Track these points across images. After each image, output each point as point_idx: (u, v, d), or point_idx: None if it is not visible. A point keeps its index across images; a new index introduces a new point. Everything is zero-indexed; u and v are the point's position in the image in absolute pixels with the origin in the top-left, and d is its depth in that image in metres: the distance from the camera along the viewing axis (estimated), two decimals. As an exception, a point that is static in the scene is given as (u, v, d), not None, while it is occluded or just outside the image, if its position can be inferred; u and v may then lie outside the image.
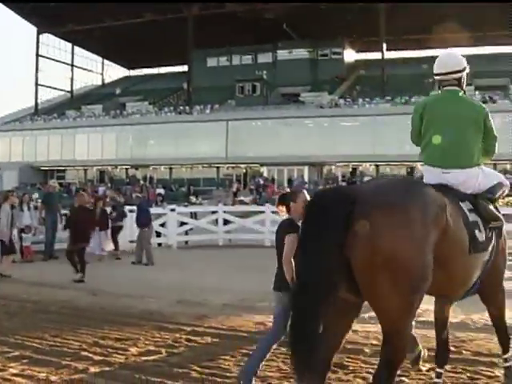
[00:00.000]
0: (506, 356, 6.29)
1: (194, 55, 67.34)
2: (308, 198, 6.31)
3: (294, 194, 6.71)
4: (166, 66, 79.84)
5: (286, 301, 6.21)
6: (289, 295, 5.79)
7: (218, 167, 61.01)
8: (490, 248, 5.47)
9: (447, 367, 7.19)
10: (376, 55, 66.44)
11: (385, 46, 62.47)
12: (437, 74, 5.98)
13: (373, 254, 4.52)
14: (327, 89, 62.60)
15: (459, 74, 5.90)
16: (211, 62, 73.18)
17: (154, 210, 22.92)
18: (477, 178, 5.70)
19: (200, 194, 50.16)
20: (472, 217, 5.30)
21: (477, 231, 5.24)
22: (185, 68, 71.08)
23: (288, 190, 5.96)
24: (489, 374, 7.06)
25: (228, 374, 7.12)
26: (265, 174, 57.93)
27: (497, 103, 55.37)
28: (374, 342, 8.53)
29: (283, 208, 6.70)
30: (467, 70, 5.94)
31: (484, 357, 7.78)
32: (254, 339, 8.77)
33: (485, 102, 55.29)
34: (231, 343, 8.61)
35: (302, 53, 69.17)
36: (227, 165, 60.59)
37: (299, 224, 5.86)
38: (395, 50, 68.21)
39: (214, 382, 6.89)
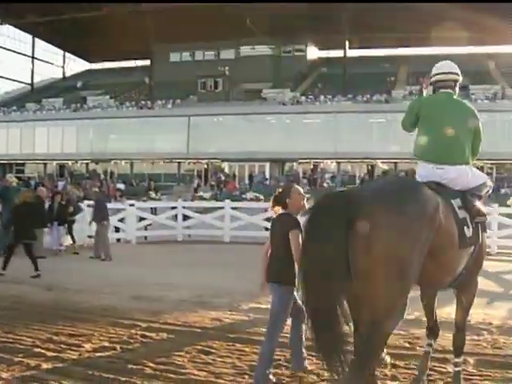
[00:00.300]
0: (457, 360, 6.46)
1: (156, 50, 67.02)
2: (301, 190, 6.93)
3: (288, 191, 6.92)
4: (128, 60, 79.15)
5: (287, 292, 6.65)
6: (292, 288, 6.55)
7: (179, 163, 60.81)
8: (475, 242, 5.89)
9: (401, 363, 7.26)
10: (338, 53, 66.70)
11: (347, 44, 62.76)
12: (436, 74, 6.41)
13: (371, 252, 4.88)
14: (289, 86, 62.68)
15: (456, 77, 6.40)
16: (174, 57, 72.89)
17: (113, 205, 22.76)
18: (467, 175, 6.09)
19: (161, 189, 49.84)
20: (461, 214, 5.72)
21: (465, 227, 5.68)
22: (147, 62, 70.64)
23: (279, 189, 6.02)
24: (441, 369, 7.12)
25: (182, 371, 7.08)
26: (226, 170, 57.93)
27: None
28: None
29: (279, 208, 6.92)
30: (460, 80, 6.42)
31: (438, 353, 7.82)
32: (209, 335, 8.77)
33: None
34: (186, 339, 8.55)
35: (264, 49, 69.18)
36: (188, 160, 60.43)
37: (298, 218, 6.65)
38: (357, 48, 68.54)
39: (168, 378, 6.84)
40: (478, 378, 6.89)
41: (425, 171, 6.11)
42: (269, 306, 10.80)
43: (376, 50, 71.91)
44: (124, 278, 14.37)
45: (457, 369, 6.44)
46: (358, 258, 4.94)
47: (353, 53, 67.23)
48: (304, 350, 6.98)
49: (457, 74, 6.41)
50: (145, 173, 59.78)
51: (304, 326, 6.61)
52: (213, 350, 7.95)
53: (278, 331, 6.77)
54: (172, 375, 6.89)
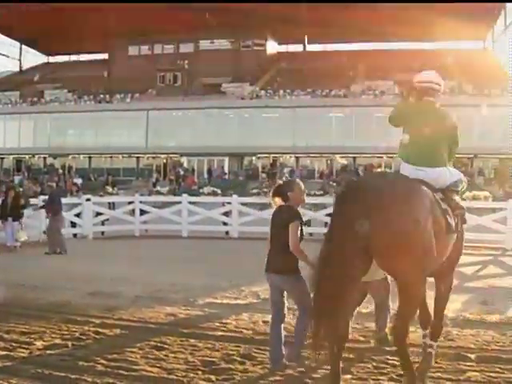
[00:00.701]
0: (432, 343, 7.01)
1: (114, 43, 66.49)
2: (302, 185, 7.33)
3: (292, 184, 7.31)
4: (86, 53, 78.25)
5: (299, 278, 6.92)
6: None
7: (138, 157, 60.49)
8: (456, 231, 6.50)
9: (353, 356, 7.28)
10: (298, 47, 66.89)
11: (306, 38, 62.92)
12: (422, 82, 6.91)
13: (390, 235, 5.63)
14: (249, 80, 62.64)
15: (438, 87, 6.94)
16: (132, 50, 72.21)
17: (69, 200, 22.50)
18: (445, 176, 6.70)
19: (120, 184, 49.56)
20: (444, 205, 6.35)
21: (448, 216, 6.30)
22: (105, 56, 70.01)
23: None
24: (394, 362, 7.14)
25: (134, 367, 6.99)
26: (185, 165, 57.75)
27: (414, 98, 56.19)
28: (285, 333, 8.55)
29: (279, 199, 7.20)
30: (442, 90, 6.99)
31: (391, 346, 7.88)
32: (163, 331, 8.70)
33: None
34: (140, 335, 8.45)
35: (224, 43, 69.07)
36: (147, 155, 60.10)
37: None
38: (317, 43, 68.76)
39: (120, 375, 6.75)
40: (430, 369, 6.93)
41: (407, 171, 6.57)
42: (224, 301, 10.97)
43: (335, 45, 72.15)
44: (80, 273, 14.16)
45: (429, 350, 6.96)
46: (380, 240, 5.65)
47: (312, 47, 67.47)
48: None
49: (439, 84, 6.94)
50: (103, 167, 59.28)
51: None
52: (166, 346, 7.87)
53: (307, 311, 6.73)
54: (123, 372, 6.81)
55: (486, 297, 11.18)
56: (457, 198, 6.76)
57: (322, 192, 26.61)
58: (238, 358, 7.33)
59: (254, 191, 25.27)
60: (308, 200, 23.56)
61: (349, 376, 6.67)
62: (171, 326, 9.11)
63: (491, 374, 6.70)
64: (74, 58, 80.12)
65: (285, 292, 7.22)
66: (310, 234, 17.51)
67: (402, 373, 6.64)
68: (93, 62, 76.16)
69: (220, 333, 8.63)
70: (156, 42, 70.74)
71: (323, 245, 5.88)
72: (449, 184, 6.71)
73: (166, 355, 7.49)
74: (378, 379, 6.60)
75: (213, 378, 6.65)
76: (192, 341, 8.13)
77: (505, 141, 50.37)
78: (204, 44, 69.46)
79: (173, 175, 54.91)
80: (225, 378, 6.65)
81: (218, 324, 9.17)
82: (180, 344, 7.98)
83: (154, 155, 59.99)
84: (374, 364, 7.11)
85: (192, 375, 6.73)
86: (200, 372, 6.86)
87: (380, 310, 7.93)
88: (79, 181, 47.05)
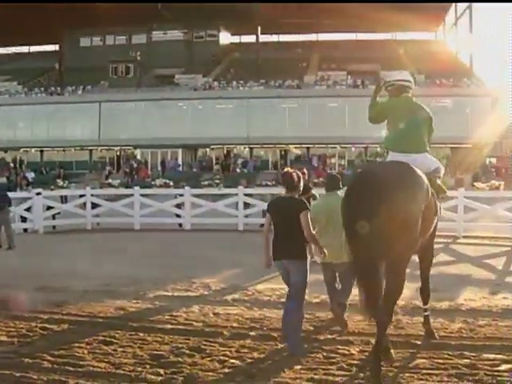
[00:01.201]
0: (426, 307, 7.95)
1: (66, 34, 65.52)
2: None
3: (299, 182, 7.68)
4: (36, 44, 76.87)
5: (306, 265, 7.39)
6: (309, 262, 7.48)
7: (90, 150, 59.75)
8: (439, 213, 7.43)
9: (305, 347, 7.27)
10: (251, 38, 66.80)
11: (259, 29, 62.83)
12: (397, 81, 7.83)
13: (396, 215, 6.24)
14: (202, 71, 62.31)
15: (411, 84, 7.87)
16: (84, 41, 71.27)
17: (18, 194, 22.14)
18: (428, 161, 7.50)
19: (73, 177, 49.13)
20: (431, 189, 7.06)
21: (436, 200, 7.20)
22: (56, 47, 69.04)
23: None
24: (344, 352, 7.17)
25: (81, 362, 6.87)
26: (138, 157, 57.33)
27: (368, 88, 56.70)
28: (235, 325, 8.53)
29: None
30: (413, 86, 7.89)
31: (341, 336, 7.90)
32: (112, 325, 8.58)
33: (356, 86, 56.85)
34: (88, 330, 8.30)
35: (176, 34, 68.59)
36: (100, 147, 59.42)
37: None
38: (270, 33, 68.72)
39: (66, 370, 6.62)
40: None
41: (397, 158, 7.23)
42: (175, 294, 10.88)
43: (288, 36, 72.20)
44: (29, 268, 13.91)
45: (426, 313, 7.92)
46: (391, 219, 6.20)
47: (265, 38, 67.40)
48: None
49: (411, 81, 7.89)
50: (55, 161, 58.34)
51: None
52: (114, 340, 7.75)
53: (303, 299, 7.52)
54: (70, 368, 6.67)
55: (437, 284, 11.25)
56: (439, 182, 7.57)
57: (274, 182, 26.51)
58: (187, 351, 7.26)
59: (206, 183, 25.05)
60: (261, 191, 23.58)
61: (298, 367, 6.65)
62: (120, 319, 8.99)
63: (439, 361, 6.75)
64: (23, 49, 78.63)
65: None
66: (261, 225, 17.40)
67: (352, 362, 6.68)
68: (43, 53, 74.83)
69: (170, 326, 8.55)
70: (108, 33, 69.97)
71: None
72: (432, 170, 7.49)
73: (114, 350, 7.39)
74: (328, 369, 6.58)
75: (161, 371, 6.56)
76: (141, 334, 8.03)
77: (456, 130, 51.33)
78: (157, 35, 68.88)
79: (127, 168, 54.42)
80: (173, 372, 6.57)
81: (167, 317, 9.07)
82: (129, 338, 7.87)
83: (107, 148, 59.27)
84: (325, 354, 7.11)
85: (140, 369, 6.65)
86: (148, 366, 6.77)
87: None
88: (31, 175, 46.45)
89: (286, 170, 7.93)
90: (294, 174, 7.67)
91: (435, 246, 16.30)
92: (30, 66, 68.98)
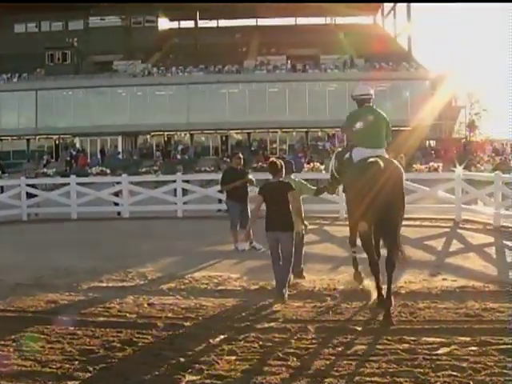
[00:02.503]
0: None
1: (-1, 21, 64.08)
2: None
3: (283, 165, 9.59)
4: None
5: (292, 235, 9.20)
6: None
7: (28, 139, 58.65)
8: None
9: (241, 337, 7.06)
10: (190, 24, 66.26)
11: (198, 14, 62.36)
12: (362, 95, 9.57)
13: (401, 196, 8.59)
14: (140, 57, 61.73)
15: (372, 96, 9.61)
16: (18, 28, 69.78)
17: None
18: (385, 153, 9.31)
19: (10, 167, 48.00)
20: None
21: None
22: (-11, 34, 67.42)
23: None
24: (280, 339, 6.98)
25: (6, 362, 6.51)
26: (77, 145, 56.44)
27: (308, 73, 56.87)
28: (170, 315, 8.26)
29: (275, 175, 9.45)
30: (373, 97, 9.64)
31: (279, 323, 7.71)
32: (41, 320, 8.19)
33: (296, 71, 56.91)
34: (16, 326, 7.90)
35: (114, 20, 67.62)
36: (38, 136, 58.33)
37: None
38: (209, 19, 68.21)
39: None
40: (317, 344, 6.79)
41: (361, 152, 9.05)
42: (109, 284, 10.52)
43: (227, 21, 71.72)
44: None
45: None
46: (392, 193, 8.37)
47: (204, 23, 66.91)
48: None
49: (372, 94, 9.62)
50: (-8, 151, 57.23)
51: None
52: (43, 336, 7.40)
53: (291, 260, 9.25)
54: (-8, 367, 6.32)
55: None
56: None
57: (213, 168, 26.20)
58: (119, 345, 6.97)
59: (144, 170, 24.64)
60: (200, 177, 23.27)
61: (233, 357, 6.43)
62: (50, 313, 8.59)
63: (378, 347, 6.63)
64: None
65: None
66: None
67: (288, 350, 6.50)
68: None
69: (102, 318, 8.21)
70: (43, 19, 68.51)
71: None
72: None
73: (41, 346, 7.03)
74: (264, 358, 6.37)
75: (90, 367, 6.26)
76: (71, 329, 7.69)
77: (396, 113, 51.76)
78: (94, 21, 67.86)
79: (68, 156, 53.52)
80: (103, 367, 6.28)
81: (100, 309, 8.73)
82: (58, 333, 7.52)
83: (45, 136, 58.29)
84: (261, 343, 6.93)
85: (67, 366, 6.32)
86: (76, 362, 6.45)
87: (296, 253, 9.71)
88: (-35, 165, 45.18)
89: (271, 159, 9.85)
90: (278, 162, 9.50)
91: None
92: (-39, 53, 67.18)
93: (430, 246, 13.97)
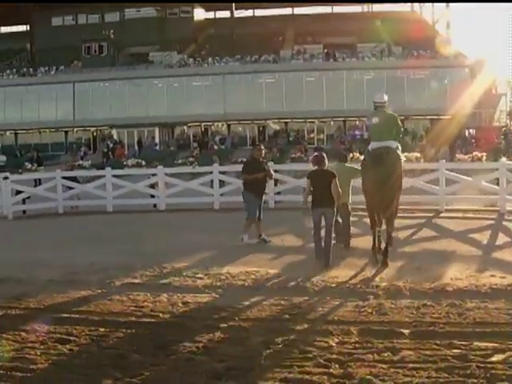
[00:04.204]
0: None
1: (37, 14, 64.26)
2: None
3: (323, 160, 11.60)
4: (6, 25, 75.11)
5: (334, 211, 11.31)
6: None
7: (66, 131, 58.90)
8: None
9: (279, 340, 6.67)
10: (225, 14, 65.87)
11: (234, 4, 61.99)
12: (377, 102, 11.56)
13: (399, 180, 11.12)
14: (176, 48, 61.51)
15: (386, 102, 11.58)
16: (56, 21, 69.77)
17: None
18: (394, 143, 11.29)
19: (48, 159, 48.12)
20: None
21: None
22: (27, 28, 67.74)
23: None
24: (321, 343, 6.56)
25: (32, 367, 6.18)
26: (115, 137, 56.50)
27: (345, 61, 56.30)
28: (204, 315, 7.94)
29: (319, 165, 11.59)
30: (387, 103, 11.62)
31: (320, 324, 7.30)
32: (71, 320, 7.87)
33: (334, 59, 56.32)
34: (45, 327, 7.59)
35: (150, 12, 67.35)
36: (76, 128, 58.57)
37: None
38: (245, 8, 67.78)
39: (14, 378, 5.90)
40: (361, 349, 6.36)
41: (375, 144, 11.19)
42: (143, 281, 10.17)
43: (263, 10, 71.10)
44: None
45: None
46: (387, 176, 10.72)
47: (240, 13, 66.51)
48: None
49: (386, 100, 11.58)
50: (31, 143, 57.23)
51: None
52: (72, 338, 7.07)
53: (332, 231, 11.38)
54: (18, 373, 5.99)
55: (420, 262, 10.73)
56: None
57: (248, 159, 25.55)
58: (150, 349, 6.63)
59: (180, 161, 24.30)
60: (237, 168, 22.92)
61: (271, 363, 6.03)
62: (81, 313, 8.26)
63: (427, 352, 6.15)
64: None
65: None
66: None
67: (330, 356, 6.07)
68: (14, 34, 73.21)
69: (134, 318, 7.97)
70: (80, 12, 68.54)
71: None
72: (395, 147, 11.29)
73: (70, 349, 6.72)
74: (304, 365, 5.95)
75: (118, 374, 5.89)
76: (101, 330, 7.36)
77: (435, 102, 50.91)
78: (130, 13, 67.60)
79: (105, 148, 53.56)
80: (132, 375, 5.88)
81: (133, 308, 8.44)
82: (88, 334, 7.19)
83: (82, 128, 58.52)
84: (300, 347, 6.48)
85: (94, 373, 5.97)
86: (105, 368, 6.11)
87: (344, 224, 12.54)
88: (2, 158, 45.49)
89: (315, 154, 12.49)
90: (321, 155, 11.62)
91: (416, 222, 15.99)
92: (1, 47, 67.59)
93: (475, 240, 13.35)
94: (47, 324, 7.67)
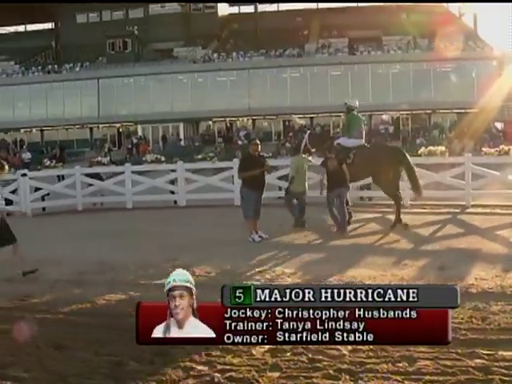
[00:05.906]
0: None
1: (61, 11, 64.36)
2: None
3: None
4: (32, 23, 75.30)
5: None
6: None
7: (91, 128, 58.97)
8: None
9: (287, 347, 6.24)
10: (249, 8, 65.53)
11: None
12: (351, 105, 15.12)
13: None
14: (201, 43, 61.30)
15: (355, 106, 15.11)
16: (80, 18, 69.80)
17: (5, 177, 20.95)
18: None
19: (73, 155, 48.22)
20: None
21: None
22: (53, 25, 67.91)
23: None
24: (332, 352, 6.12)
25: (25, 375, 5.82)
26: (139, 133, 56.42)
27: (371, 55, 55.73)
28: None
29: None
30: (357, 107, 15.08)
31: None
32: (72, 323, 7.51)
33: (359, 53, 55.72)
34: (47, 330, 7.22)
35: (174, 7, 67.10)
36: (101, 125, 58.60)
37: None
38: (269, 3, 67.28)
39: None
40: (374, 359, 5.92)
41: (351, 141, 14.38)
42: (155, 281, 9.76)
43: (287, 4, 70.56)
44: (2, 256, 12.81)
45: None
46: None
47: (264, 8, 66.05)
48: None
49: (357, 105, 15.17)
50: (56, 140, 57.35)
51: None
52: (68, 344, 6.69)
53: (344, 205, 13.70)
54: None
55: (443, 260, 10.23)
56: None
57: (270, 154, 25.03)
58: (149, 356, 6.24)
59: (199, 157, 23.83)
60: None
61: (277, 374, 5.59)
62: (82, 316, 7.89)
63: (446, 363, 5.66)
64: (19, 28, 77.08)
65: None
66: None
67: (341, 366, 5.62)
68: (40, 31, 73.31)
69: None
70: (104, 8, 68.46)
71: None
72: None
73: (66, 355, 6.34)
74: (311, 377, 5.51)
75: (114, 384, 5.52)
76: (102, 335, 6.97)
77: (462, 95, 50.11)
78: (154, 9, 67.38)
79: (130, 144, 53.57)
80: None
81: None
82: (85, 340, 6.80)
83: (107, 125, 58.52)
84: (310, 356, 6.04)
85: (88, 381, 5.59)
86: (100, 376, 5.72)
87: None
88: (28, 155, 45.50)
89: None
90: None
91: (441, 218, 15.48)
92: (27, 44, 67.67)
93: (502, 237, 12.72)
94: (44, 327, 7.33)
